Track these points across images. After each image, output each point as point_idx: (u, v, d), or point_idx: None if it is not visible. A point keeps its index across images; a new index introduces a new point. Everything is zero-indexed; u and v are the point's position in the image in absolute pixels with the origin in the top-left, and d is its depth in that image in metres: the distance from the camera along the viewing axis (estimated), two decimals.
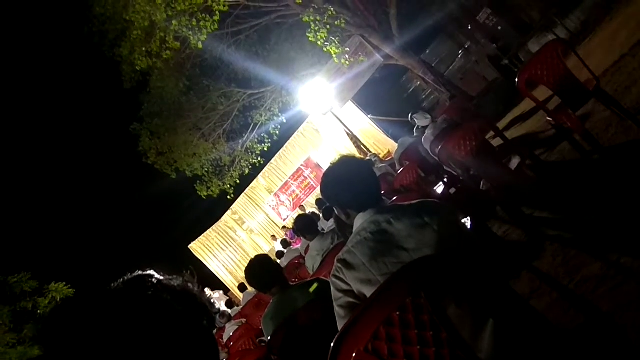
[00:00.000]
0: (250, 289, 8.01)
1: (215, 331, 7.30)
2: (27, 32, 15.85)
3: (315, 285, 2.48)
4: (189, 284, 0.84)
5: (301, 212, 12.06)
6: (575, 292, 2.34)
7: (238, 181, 13.51)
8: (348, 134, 13.14)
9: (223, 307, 9.46)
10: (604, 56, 5.74)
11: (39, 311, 10.06)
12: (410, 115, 6.10)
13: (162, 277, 0.81)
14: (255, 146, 13.56)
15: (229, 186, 13.23)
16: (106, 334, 0.69)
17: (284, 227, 14.19)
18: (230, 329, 6.17)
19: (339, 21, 9.49)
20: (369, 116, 12.87)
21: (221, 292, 13.74)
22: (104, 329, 0.69)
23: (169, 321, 0.75)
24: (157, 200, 17.17)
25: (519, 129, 7.13)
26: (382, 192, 1.90)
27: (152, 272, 0.82)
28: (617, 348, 1.51)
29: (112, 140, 16.72)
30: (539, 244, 3.13)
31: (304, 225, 4.48)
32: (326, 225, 6.05)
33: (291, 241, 10.80)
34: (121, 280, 0.79)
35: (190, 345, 0.75)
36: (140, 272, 0.81)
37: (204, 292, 0.87)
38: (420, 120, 5.65)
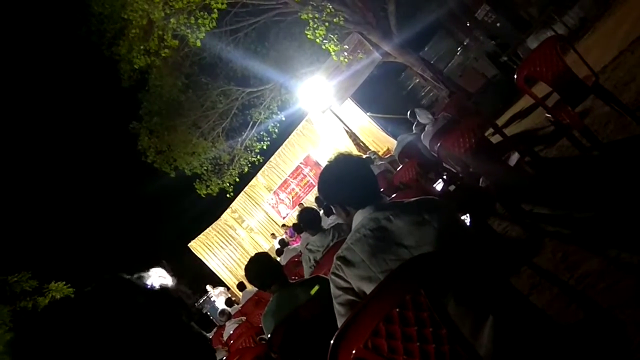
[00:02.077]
0: (249, 287, 8.02)
1: (215, 329, 7.34)
2: (26, 31, 15.82)
3: (316, 288, 2.47)
4: (163, 279, 0.83)
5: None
6: (575, 287, 2.34)
7: (237, 179, 13.51)
8: (347, 132, 13.14)
9: (223, 305, 9.46)
10: (603, 52, 5.73)
11: (39, 310, 10.05)
12: (409, 111, 6.11)
13: (132, 277, 0.80)
14: (254, 144, 13.55)
15: (228, 184, 13.22)
16: (77, 339, 0.68)
17: (283, 225, 14.19)
18: (230, 327, 6.18)
19: (337, 19, 9.47)
20: (368, 114, 12.87)
21: (222, 288, 13.76)
22: (75, 335, 0.69)
23: (142, 322, 0.74)
24: (156, 199, 17.20)
25: (518, 126, 7.12)
26: (382, 189, 1.90)
27: (122, 273, 0.81)
28: (617, 344, 1.51)
29: (111, 139, 16.71)
30: (538, 240, 3.13)
31: (310, 219, 4.38)
32: (326, 222, 6.04)
33: (290, 240, 10.80)
34: (93, 284, 0.78)
35: (169, 342, 0.74)
36: (109, 275, 0.80)
37: (180, 285, 0.86)
38: (422, 117, 5.65)
